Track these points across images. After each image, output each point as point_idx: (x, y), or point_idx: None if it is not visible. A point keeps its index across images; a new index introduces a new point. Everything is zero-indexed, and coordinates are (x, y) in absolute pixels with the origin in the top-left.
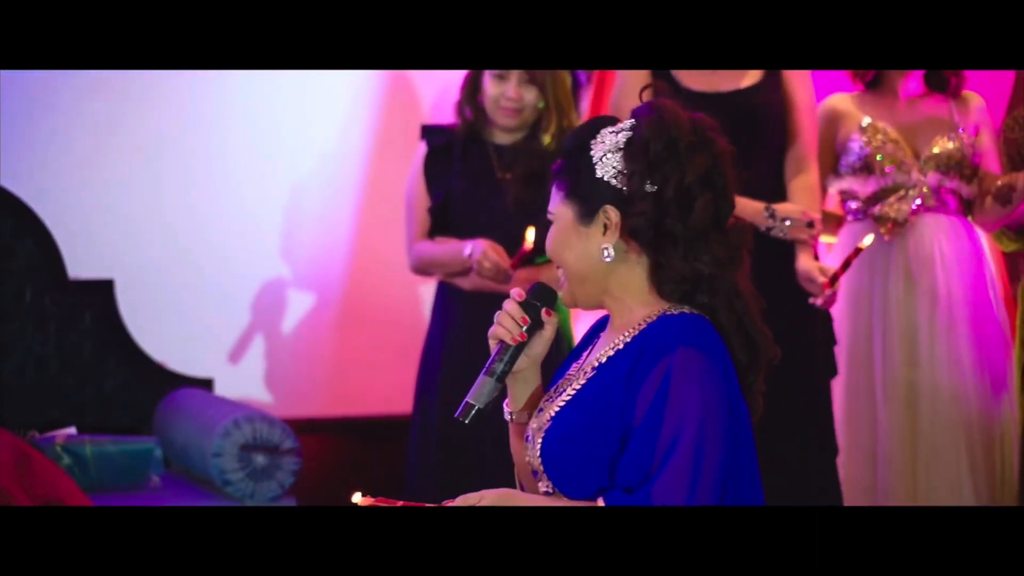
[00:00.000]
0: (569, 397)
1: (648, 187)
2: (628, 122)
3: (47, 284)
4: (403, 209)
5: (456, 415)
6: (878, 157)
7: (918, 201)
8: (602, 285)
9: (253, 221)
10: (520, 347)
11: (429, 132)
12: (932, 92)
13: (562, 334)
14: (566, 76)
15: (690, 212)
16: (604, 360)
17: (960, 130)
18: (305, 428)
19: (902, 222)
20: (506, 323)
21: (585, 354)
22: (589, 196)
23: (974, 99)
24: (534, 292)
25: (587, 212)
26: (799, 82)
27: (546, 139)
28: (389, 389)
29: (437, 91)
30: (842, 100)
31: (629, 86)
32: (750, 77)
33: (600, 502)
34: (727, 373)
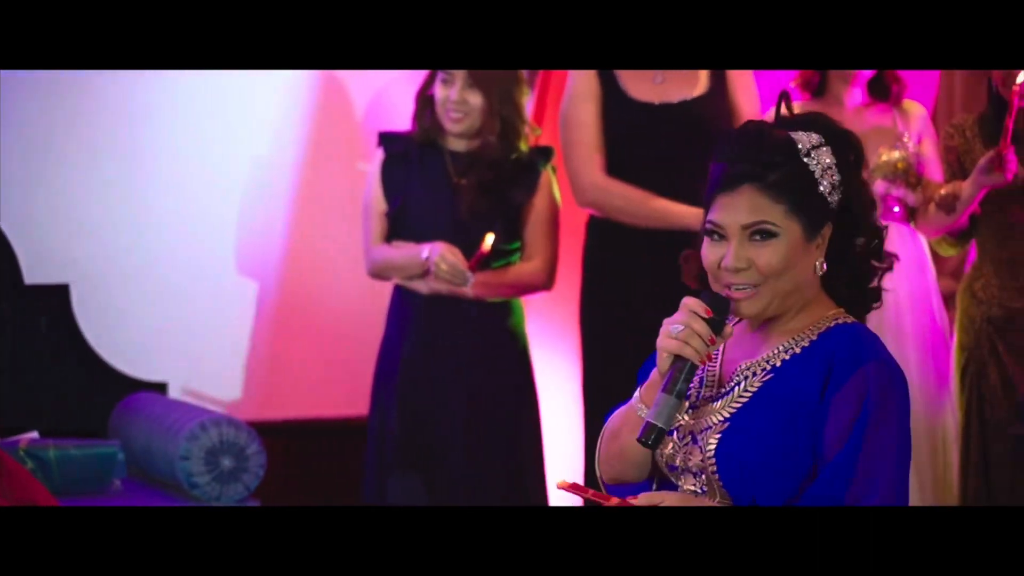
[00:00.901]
0: (745, 399)
1: (862, 203)
2: (815, 136)
3: (3, 289)
4: (360, 215)
5: (639, 439)
6: None
7: None
8: (803, 296)
9: (195, 226)
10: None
11: (386, 139)
12: (875, 101)
13: (519, 335)
14: (514, 81)
15: (882, 228)
16: (779, 363)
17: (904, 139)
18: (260, 432)
19: None
20: (695, 344)
21: (728, 349)
22: (815, 212)
23: (916, 108)
24: (713, 305)
25: (814, 228)
26: (745, 91)
27: (491, 141)
28: (332, 391)
29: (370, 95)
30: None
31: (579, 92)
32: (698, 87)
33: None
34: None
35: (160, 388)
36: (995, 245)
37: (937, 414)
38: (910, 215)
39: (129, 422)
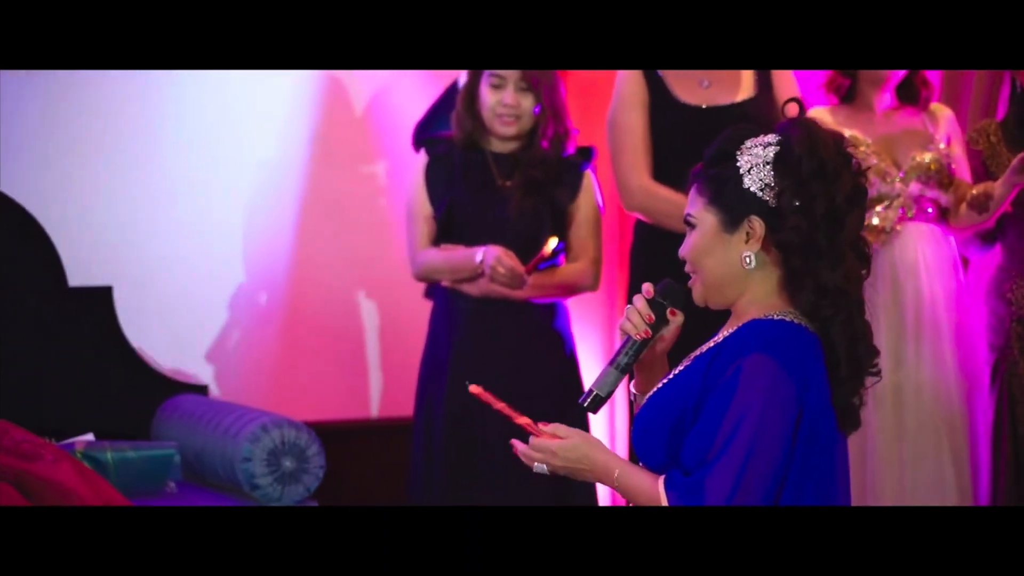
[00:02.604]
0: (665, 381)
1: (796, 203)
2: (771, 136)
3: (47, 291)
4: (404, 218)
5: (580, 401)
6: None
7: (901, 210)
8: (739, 290)
9: (223, 228)
10: (645, 341)
11: (429, 143)
12: (904, 105)
13: (565, 335)
14: (559, 82)
15: (840, 229)
16: (703, 351)
17: (935, 141)
18: None
19: (889, 230)
20: (633, 319)
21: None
22: (735, 205)
23: (943, 111)
24: (662, 290)
25: (732, 221)
26: (788, 94)
27: (544, 145)
28: (339, 393)
29: (371, 97)
30: (821, 114)
31: (627, 97)
32: (743, 91)
33: (660, 481)
34: (803, 383)
35: (201, 390)
36: None
37: (972, 413)
38: (943, 215)
39: (177, 424)
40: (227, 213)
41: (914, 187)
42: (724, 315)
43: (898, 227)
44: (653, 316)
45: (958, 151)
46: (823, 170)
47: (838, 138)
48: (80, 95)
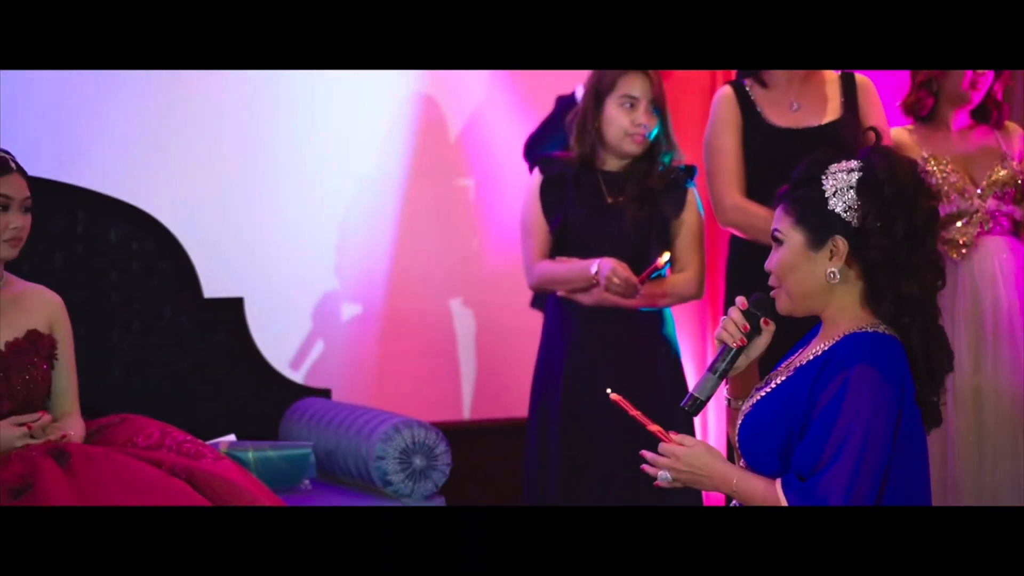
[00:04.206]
0: (770, 390)
1: (878, 224)
2: (854, 162)
3: (184, 302)
4: (520, 233)
5: (682, 404)
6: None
7: (979, 224)
8: (824, 301)
9: (326, 242)
10: (740, 349)
11: (543, 162)
12: (977, 124)
13: (671, 341)
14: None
15: (919, 246)
16: (804, 363)
17: (1009, 158)
18: None
19: (970, 244)
20: (730, 328)
21: (796, 354)
22: (820, 225)
23: (1015, 128)
24: (755, 302)
25: (818, 240)
26: (875, 117)
27: (666, 160)
28: (436, 395)
29: (464, 116)
30: (901, 133)
31: (721, 120)
32: (830, 113)
33: (777, 484)
34: (902, 391)
35: (324, 394)
36: None
37: None
38: (1016, 228)
39: (306, 426)
40: (334, 227)
41: (991, 202)
42: (800, 324)
43: (976, 240)
44: (748, 326)
45: None
46: (903, 194)
47: (915, 164)
48: (213, 108)
